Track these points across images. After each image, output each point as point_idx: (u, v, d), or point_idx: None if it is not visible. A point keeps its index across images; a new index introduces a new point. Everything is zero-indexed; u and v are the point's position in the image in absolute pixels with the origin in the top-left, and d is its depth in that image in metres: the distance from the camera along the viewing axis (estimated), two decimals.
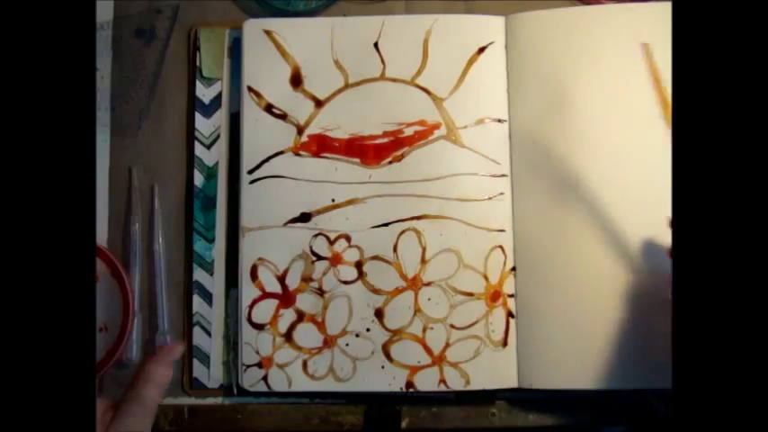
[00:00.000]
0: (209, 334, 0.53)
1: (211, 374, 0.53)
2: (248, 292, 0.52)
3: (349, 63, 0.54)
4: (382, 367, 0.52)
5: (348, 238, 0.52)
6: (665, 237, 0.50)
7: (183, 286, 0.54)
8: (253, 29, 0.54)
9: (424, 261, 0.52)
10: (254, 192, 0.53)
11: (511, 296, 0.52)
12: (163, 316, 0.54)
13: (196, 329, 0.54)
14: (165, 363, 0.41)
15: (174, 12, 0.57)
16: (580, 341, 0.50)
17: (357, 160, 0.53)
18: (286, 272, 0.52)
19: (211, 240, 0.54)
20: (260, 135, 0.53)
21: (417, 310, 0.52)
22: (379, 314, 0.52)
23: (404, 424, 0.53)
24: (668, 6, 0.53)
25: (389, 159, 0.53)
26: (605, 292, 0.50)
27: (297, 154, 0.53)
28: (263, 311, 0.52)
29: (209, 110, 0.56)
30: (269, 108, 0.54)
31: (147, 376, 0.40)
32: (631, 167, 0.51)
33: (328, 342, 0.52)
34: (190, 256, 0.54)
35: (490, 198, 0.52)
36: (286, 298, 0.52)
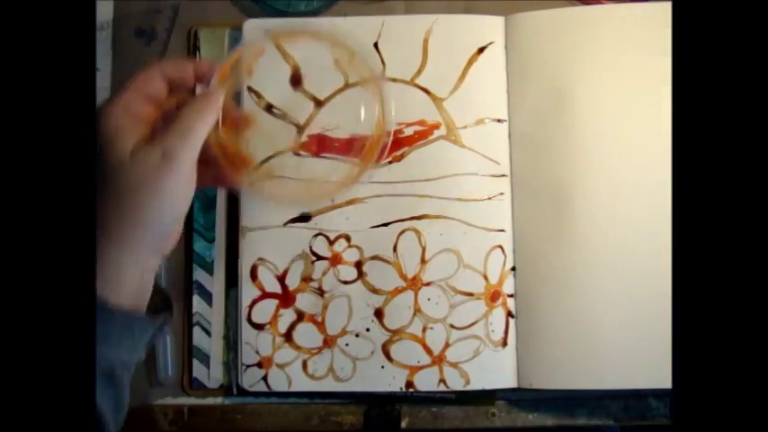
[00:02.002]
0: (208, 334, 0.53)
1: (211, 374, 0.53)
2: (248, 292, 0.52)
3: (349, 63, 0.54)
4: (382, 367, 0.52)
5: (348, 238, 0.52)
6: (666, 235, 0.50)
7: (183, 286, 0.54)
8: (253, 29, 0.54)
9: (423, 261, 0.52)
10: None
11: (511, 296, 0.52)
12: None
13: (196, 329, 0.53)
14: (208, 100, 0.39)
15: (174, 12, 0.57)
16: (580, 341, 0.50)
17: (357, 160, 0.53)
18: (286, 272, 0.52)
19: (211, 240, 0.54)
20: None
21: (417, 310, 0.52)
22: (378, 314, 0.52)
23: (404, 424, 0.53)
24: (668, 6, 0.53)
25: (389, 159, 0.53)
26: (605, 291, 0.50)
27: (297, 154, 0.53)
28: (263, 311, 0.52)
29: None
30: (268, 108, 0.54)
31: (199, 105, 0.38)
32: (631, 167, 0.51)
33: (328, 342, 0.52)
34: (190, 256, 0.54)
35: (490, 198, 0.52)
36: (286, 298, 0.52)
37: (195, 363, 0.53)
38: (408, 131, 0.53)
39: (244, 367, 0.52)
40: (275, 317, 0.52)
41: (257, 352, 0.52)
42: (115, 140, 0.36)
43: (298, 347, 0.52)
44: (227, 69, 0.41)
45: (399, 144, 0.53)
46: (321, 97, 0.54)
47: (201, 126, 0.37)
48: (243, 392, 0.52)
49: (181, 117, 0.37)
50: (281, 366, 0.52)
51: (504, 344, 0.51)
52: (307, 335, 0.52)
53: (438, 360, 0.51)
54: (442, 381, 0.51)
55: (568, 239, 0.51)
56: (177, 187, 0.36)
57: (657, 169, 0.51)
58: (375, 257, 0.52)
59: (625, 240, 0.51)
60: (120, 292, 0.36)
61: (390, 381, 0.51)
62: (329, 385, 0.52)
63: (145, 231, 0.36)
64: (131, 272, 0.36)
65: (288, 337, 0.52)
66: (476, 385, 0.51)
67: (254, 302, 0.52)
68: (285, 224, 0.53)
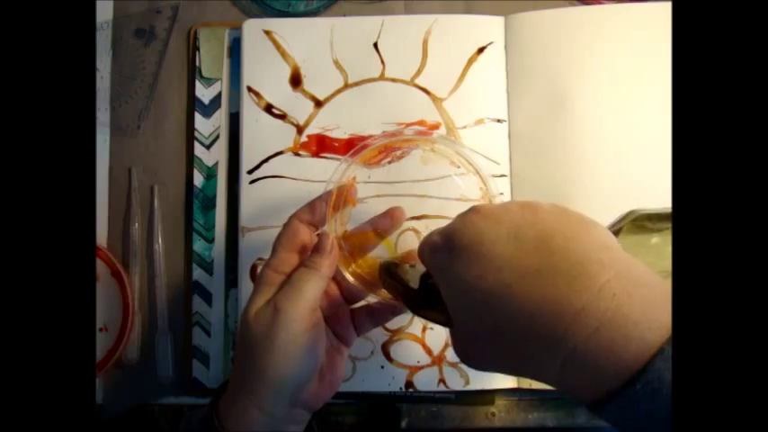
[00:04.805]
0: (208, 334, 0.53)
1: (211, 374, 0.53)
2: (248, 291, 0.52)
3: (349, 63, 0.54)
4: (382, 367, 0.52)
5: None
6: None
7: (183, 286, 0.54)
8: (252, 29, 0.54)
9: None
10: (254, 192, 0.53)
11: None
12: (163, 316, 0.54)
13: (196, 329, 0.53)
14: (323, 254, 0.40)
15: (173, 12, 0.57)
16: None
17: None
18: None
19: (211, 240, 0.54)
20: (259, 135, 0.53)
21: None
22: None
23: (404, 424, 0.53)
24: (668, 6, 0.53)
25: (389, 159, 0.53)
26: None
27: (296, 154, 0.53)
28: None
29: (208, 110, 0.56)
30: (268, 108, 0.54)
31: (307, 263, 0.40)
32: (631, 167, 0.51)
33: None
34: (189, 256, 0.54)
35: (490, 198, 0.52)
36: None
37: (195, 362, 0.53)
38: (408, 132, 0.53)
39: None
40: None
41: None
42: (249, 301, 0.40)
43: None
44: (332, 208, 0.42)
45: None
46: (321, 97, 0.54)
47: (310, 286, 0.39)
48: None
49: (291, 279, 0.39)
50: None
51: None
52: None
53: (438, 360, 0.51)
54: (442, 381, 0.51)
55: None
56: (288, 341, 0.37)
57: (657, 168, 0.51)
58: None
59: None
60: None
61: (390, 381, 0.51)
62: None
63: (266, 383, 0.38)
64: (259, 419, 0.38)
65: None
66: (475, 385, 0.51)
67: None
68: None
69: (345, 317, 0.43)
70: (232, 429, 0.38)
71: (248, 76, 0.54)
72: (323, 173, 0.53)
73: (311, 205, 0.42)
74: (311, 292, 0.38)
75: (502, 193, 0.53)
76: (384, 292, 0.42)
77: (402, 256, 0.45)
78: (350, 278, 0.42)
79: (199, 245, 0.54)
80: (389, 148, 0.47)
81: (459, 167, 0.45)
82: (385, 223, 0.44)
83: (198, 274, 0.54)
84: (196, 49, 0.56)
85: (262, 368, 0.37)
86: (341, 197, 0.43)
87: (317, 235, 0.41)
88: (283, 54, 0.54)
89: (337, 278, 0.42)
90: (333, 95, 0.54)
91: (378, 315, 0.43)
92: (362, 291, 0.42)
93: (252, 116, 0.54)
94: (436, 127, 0.53)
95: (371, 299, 0.43)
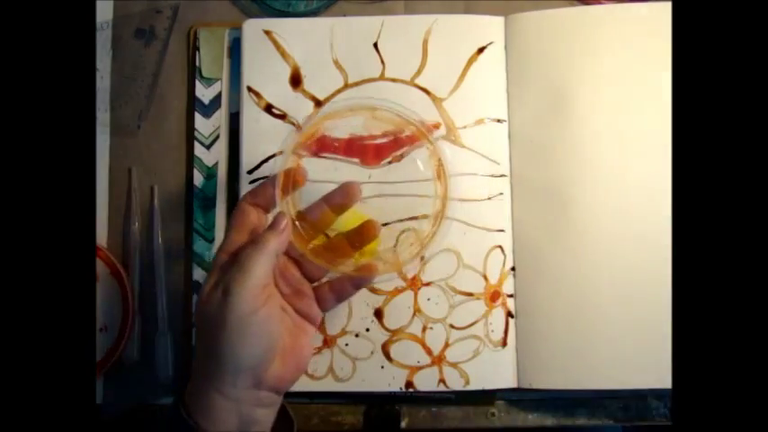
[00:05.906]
0: None
1: None
2: None
3: (349, 63, 0.54)
4: (382, 367, 0.52)
5: None
6: (665, 235, 0.50)
7: (183, 286, 0.54)
8: (252, 29, 0.54)
9: (423, 261, 0.52)
10: None
11: (510, 296, 0.52)
12: (163, 316, 0.54)
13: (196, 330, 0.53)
14: (274, 231, 0.40)
15: (173, 12, 0.57)
16: (580, 341, 0.50)
17: (357, 160, 0.53)
18: None
19: (211, 240, 0.54)
20: (259, 135, 0.53)
21: (417, 310, 0.52)
22: (378, 314, 0.52)
23: (403, 424, 0.53)
24: (668, 6, 0.53)
25: (389, 159, 0.53)
26: (605, 291, 0.50)
27: (296, 154, 0.53)
28: None
29: (208, 110, 0.56)
30: (268, 108, 0.54)
31: (254, 239, 0.40)
32: (631, 167, 0.51)
33: (328, 342, 0.52)
34: (189, 256, 0.54)
35: (490, 198, 0.52)
36: None
37: None
38: (408, 131, 0.53)
39: None
40: None
41: None
42: (202, 286, 0.40)
43: None
44: (281, 190, 0.42)
45: (399, 144, 0.53)
46: (321, 97, 0.54)
47: (257, 264, 0.38)
48: None
49: (238, 257, 0.39)
50: None
51: (504, 344, 0.51)
52: None
53: (438, 360, 0.51)
54: (442, 381, 0.51)
55: (568, 239, 0.51)
56: (239, 321, 0.37)
57: (657, 169, 0.51)
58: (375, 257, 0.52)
59: (624, 240, 0.51)
60: (212, 420, 0.38)
61: (390, 381, 0.51)
62: (329, 385, 0.51)
63: (222, 366, 0.38)
64: (222, 403, 0.38)
65: None
66: (475, 385, 0.51)
67: None
68: None
69: (308, 295, 0.43)
70: (199, 418, 0.37)
71: (248, 76, 0.54)
72: (323, 173, 0.53)
73: (258, 188, 0.42)
74: (259, 270, 0.38)
75: (501, 193, 0.53)
76: (345, 267, 0.43)
77: (354, 231, 0.45)
78: (309, 255, 0.42)
79: (199, 245, 0.54)
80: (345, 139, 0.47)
81: (404, 131, 0.46)
82: (339, 198, 0.44)
83: (198, 274, 0.54)
84: (196, 49, 0.56)
85: (217, 351, 0.37)
86: (289, 180, 0.43)
87: (275, 216, 0.41)
88: (283, 54, 0.54)
89: (295, 256, 0.42)
90: (333, 95, 0.54)
91: (340, 290, 0.44)
92: (323, 267, 0.43)
93: (252, 116, 0.54)
94: (436, 127, 0.53)
95: (332, 275, 0.43)
